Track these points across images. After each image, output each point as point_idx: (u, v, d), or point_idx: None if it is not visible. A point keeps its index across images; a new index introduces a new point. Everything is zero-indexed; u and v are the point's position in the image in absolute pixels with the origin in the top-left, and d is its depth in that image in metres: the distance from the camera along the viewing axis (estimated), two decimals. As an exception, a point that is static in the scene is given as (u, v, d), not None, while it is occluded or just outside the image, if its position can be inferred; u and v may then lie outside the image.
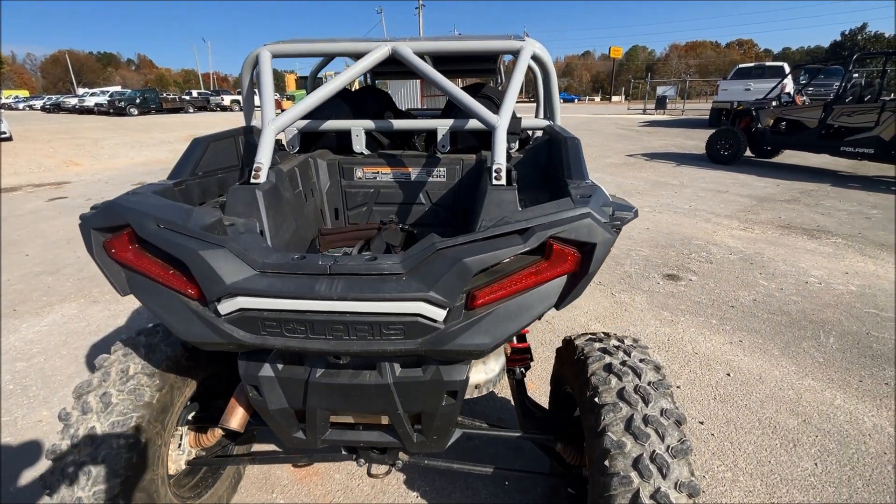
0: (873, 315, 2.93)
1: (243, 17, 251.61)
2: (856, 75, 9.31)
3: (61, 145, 11.80)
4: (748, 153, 8.56)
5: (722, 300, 3.19)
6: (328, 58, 2.12)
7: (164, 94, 32.06)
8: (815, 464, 1.81)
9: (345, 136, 1.85)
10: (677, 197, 6.13)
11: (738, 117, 8.53)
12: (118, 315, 3.11)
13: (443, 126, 1.72)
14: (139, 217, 0.93)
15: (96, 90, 33.42)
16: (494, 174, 1.26)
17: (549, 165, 1.64)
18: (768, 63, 15.31)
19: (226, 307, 0.88)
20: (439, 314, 0.86)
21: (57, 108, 30.04)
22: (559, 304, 0.94)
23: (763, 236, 4.53)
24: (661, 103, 22.51)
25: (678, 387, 2.28)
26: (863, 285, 3.37)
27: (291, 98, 21.83)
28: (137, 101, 26.12)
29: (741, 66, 15.28)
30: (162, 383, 1.26)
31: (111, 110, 25.08)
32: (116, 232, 0.96)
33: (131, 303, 3.23)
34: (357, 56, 1.59)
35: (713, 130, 9.37)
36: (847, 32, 51.93)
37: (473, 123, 1.68)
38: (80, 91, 36.50)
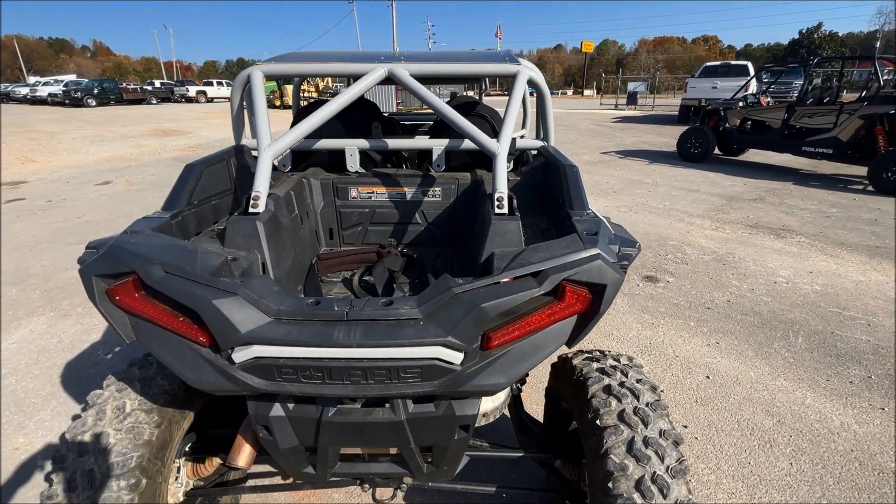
0: (836, 314, 3.12)
1: (208, 4, 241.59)
2: (817, 80, 9.75)
3: (14, 140, 11.12)
4: (717, 151, 8.88)
5: (699, 302, 3.33)
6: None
7: (125, 84, 30.56)
8: (791, 463, 1.92)
9: (337, 152, 1.82)
10: (651, 196, 6.31)
11: (707, 117, 8.82)
12: (91, 329, 2.99)
13: (438, 146, 1.72)
14: (145, 264, 0.90)
15: (49, 79, 31.46)
16: (497, 203, 1.27)
17: (545, 188, 1.67)
18: (733, 62, 15.89)
19: (240, 356, 0.87)
20: (457, 357, 0.88)
21: (6, 98, 28.20)
22: (570, 342, 0.96)
23: (733, 236, 4.72)
24: (632, 99, 22.99)
25: (662, 390, 2.37)
26: (826, 284, 3.57)
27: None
28: (95, 91, 24.80)
29: (708, 64, 15.79)
30: (160, 419, 1.23)
31: (67, 101, 23.73)
32: (120, 278, 0.93)
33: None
34: (352, 73, 1.57)
35: (683, 128, 9.67)
36: (804, 31, 54.26)
37: (469, 143, 1.69)
38: (32, 80, 34.24)
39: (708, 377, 2.49)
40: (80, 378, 2.51)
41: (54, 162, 9.54)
